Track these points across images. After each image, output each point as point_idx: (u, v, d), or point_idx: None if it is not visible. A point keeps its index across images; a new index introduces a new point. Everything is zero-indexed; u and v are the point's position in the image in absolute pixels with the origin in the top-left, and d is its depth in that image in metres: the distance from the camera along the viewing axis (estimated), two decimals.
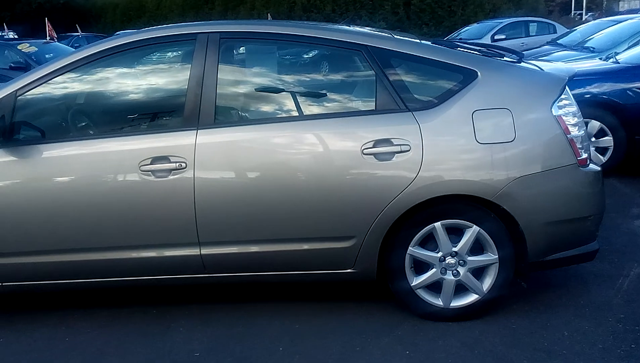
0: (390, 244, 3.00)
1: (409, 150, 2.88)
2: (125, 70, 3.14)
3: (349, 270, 3.02)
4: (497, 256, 2.99)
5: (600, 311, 3.18)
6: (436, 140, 2.90)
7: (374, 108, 2.97)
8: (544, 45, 11.39)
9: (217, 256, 2.98)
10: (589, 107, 5.56)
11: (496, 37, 15.56)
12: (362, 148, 2.87)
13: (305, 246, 2.97)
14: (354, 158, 2.89)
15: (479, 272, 3.04)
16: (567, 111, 3.01)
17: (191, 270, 3.01)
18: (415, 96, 2.97)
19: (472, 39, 16.08)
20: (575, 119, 3.04)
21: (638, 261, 3.76)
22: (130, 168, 2.86)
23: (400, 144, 2.87)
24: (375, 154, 2.88)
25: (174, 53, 3.18)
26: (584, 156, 3.00)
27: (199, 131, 2.89)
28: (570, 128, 2.96)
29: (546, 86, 3.02)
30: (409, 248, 3.00)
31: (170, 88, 3.20)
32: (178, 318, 3.19)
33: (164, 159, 2.86)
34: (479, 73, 2.98)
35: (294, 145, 2.93)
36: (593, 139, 5.67)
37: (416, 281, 3.04)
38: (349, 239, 2.95)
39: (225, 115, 3.01)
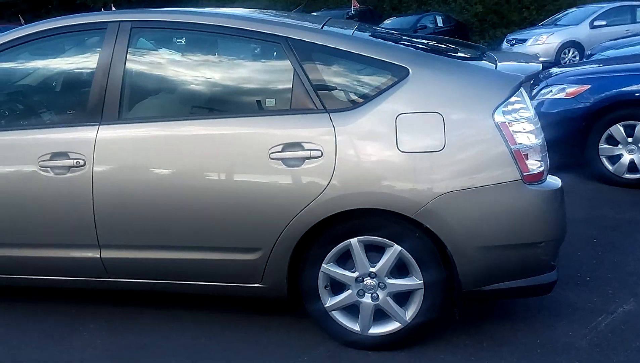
0: (303, 260, 2.77)
1: (320, 156, 2.61)
2: (32, 61, 3.09)
3: (256, 285, 2.81)
4: (422, 281, 2.69)
5: (554, 354, 2.77)
6: (352, 146, 2.61)
7: (288, 107, 2.73)
8: None
9: (117, 260, 2.87)
10: None
11: (595, 23, 14.44)
12: (270, 152, 2.64)
13: (210, 256, 2.79)
14: (260, 162, 2.66)
15: (404, 297, 2.76)
16: (517, 116, 2.61)
17: (93, 273, 2.93)
18: (335, 95, 2.69)
19: (569, 25, 15.08)
20: (530, 126, 2.63)
21: (638, 296, 3.26)
22: (30, 163, 2.81)
23: (311, 149, 2.61)
24: (283, 159, 2.64)
25: (85, 43, 3.10)
26: (535, 170, 2.59)
27: (100, 126, 2.79)
28: (517, 137, 2.56)
29: (491, 88, 2.62)
30: (323, 265, 2.74)
31: (76, 80, 3.10)
32: (88, 322, 3.13)
33: (63, 155, 2.78)
34: (410, 71, 2.64)
35: (198, 146, 2.73)
36: None
37: (331, 302, 2.78)
38: (254, 251, 2.74)
39: (130, 110, 2.86)
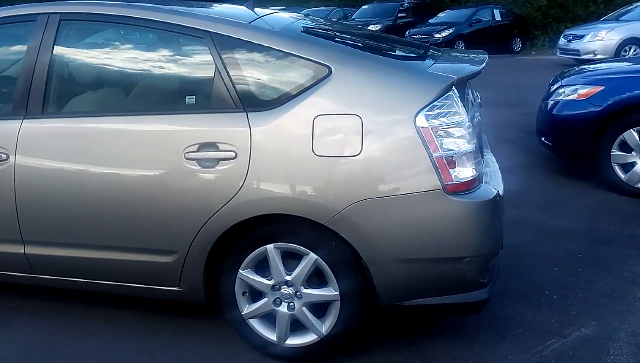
0: (221, 265, 2.70)
1: (234, 158, 2.53)
2: None
3: (175, 288, 2.76)
4: (338, 293, 2.57)
5: None
6: (267, 148, 2.51)
7: (208, 106, 2.65)
8: None
9: (41, 257, 2.88)
10: None
11: None
12: (185, 152, 2.57)
13: (127, 257, 2.75)
14: (175, 162, 2.59)
15: (322, 308, 2.65)
16: (445, 121, 2.44)
17: (18, 268, 2.96)
18: (255, 93, 2.58)
19: (633, 21, 14.27)
20: (460, 131, 2.47)
21: (603, 319, 3.02)
22: None
23: (225, 150, 2.54)
24: (198, 160, 2.57)
25: (15, 35, 3.11)
26: (462, 179, 2.43)
27: (24, 120, 2.80)
28: (442, 143, 2.41)
29: (416, 89, 2.46)
30: (239, 271, 2.66)
31: (4, 74, 3.12)
32: (17, 316, 3.16)
33: None
34: (332, 69, 2.52)
35: (117, 143, 2.70)
36: None
37: (248, 309, 2.71)
38: (170, 254, 2.68)
39: (54, 105, 2.84)
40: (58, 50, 2.84)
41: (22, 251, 2.89)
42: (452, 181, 2.40)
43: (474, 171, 2.47)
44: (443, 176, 2.39)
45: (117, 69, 2.91)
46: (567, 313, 3.07)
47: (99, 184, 2.70)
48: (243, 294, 2.70)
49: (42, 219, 2.81)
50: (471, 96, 2.99)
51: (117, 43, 2.97)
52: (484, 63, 2.80)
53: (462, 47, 17.29)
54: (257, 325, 2.72)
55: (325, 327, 2.62)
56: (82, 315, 3.16)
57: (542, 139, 5.43)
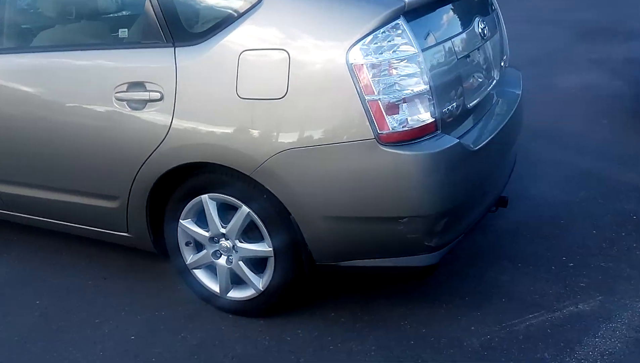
0: (164, 213, 2.60)
1: (159, 99, 2.35)
2: None
3: (125, 234, 2.71)
4: (271, 249, 2.38)
5: (419, 349, 2.34)
6: (192, 88, 2.30)
7: (139, 40, 2.47)
8: None
9: (7, 194, 2.95)
10: None
11: None
12: (115, 91, 2.43)
13: (80, 200, 2.72)
14: (106, 102, 2.46)
15: (263, 264, 2.47)
16: (388, 56, 2.08)
17: None
18: (185, 25, 2.35)
19: None
20: (409, 68, 2.10)
21: (613, 295, 2.59)
22: None
23: (151, 91, 2.36)
24: (127, 101, 2.42)
25: None
26: (400, 128, 2.08)
27: None
28: (380, 84, 2.07)
29: (352, 18, 2.11)
30: (180, 221, 2.55)
31: None
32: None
33: None
34: None
35: (48, 82, 2.61)
36: None
37: (191, 259, 2.61)
38: (114, 199, 2.61)
39: None
40: None
41: None
42: (389, 129, 2.07)
43: (430, 117, 2.13)
44: (377, 123, 2.07)
45: (41, 3, 2.82)
46: (573, 285, 2.67)
47: (38, 126, 2.66)
48: (187, 244, 2.60)
49: None
50: (478, 20, 2.58)
51: None
52: None
53: None
54: (201, 275, 2.63)
55: (262, 282, 2.46)
56: (54, 252, 3.22)
57: None
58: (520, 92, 2.93)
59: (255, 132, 2.20)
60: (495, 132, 2.49)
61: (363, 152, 2.10)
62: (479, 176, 2.37)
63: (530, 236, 3.06)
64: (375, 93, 2.07)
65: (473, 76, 2.53)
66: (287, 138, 2.16)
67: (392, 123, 2.08)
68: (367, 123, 2.07)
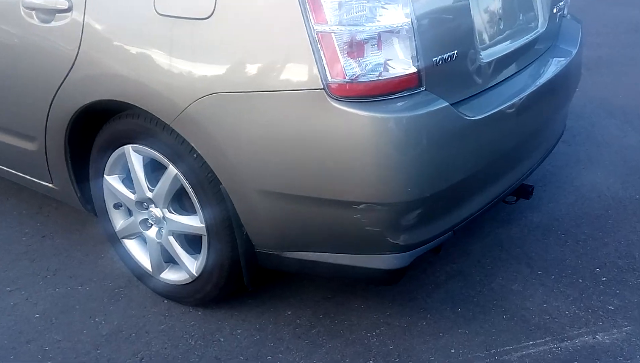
0: (89, 164, 2.15)
1: (67, 9, 1.86)
2: None
3: (50, 185, 2.28)
4: (204, 225, 1.88)
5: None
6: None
7: None
8: None
9: None
10: None
11: None
12: None
13: (2, 137, 2.31)
14: (15, 14, 2.00)
15: (198, 243, 1.97)
16: None
17: None
18: None
19: None
20: None
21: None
22: None
23: None
24: (36, 10, 1.95)
25: None
26: (362, 78, 1.51)
27: None
28: (335, 9, 1.49)
29: None
30: (104, 176, 2.09)
31: None
32: None
33: None
34: None
35: None
36: None
37: (121, 226, 2.15)
38: (32, 140, 2.17)
39: None
40: None
41: None
42: (344, 78, 1.51)
43: (409, 65, 1.56)
44: (329, 67, 1.51)
45: None
46: (599, 307, 2.05)
47: None
48: (116, 207, 2.14)
49: None
50: None
51: None
52: None
53: None
54: (132, 247, 2.16)
55: (196, 266, 1.98)
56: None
57: None
58: (575, 51, 2.28)
59: (175, 64, 1.67)
60: (517, 100, 1.87)
61: (307, 107, 1.54)
62: (479, 155, 1.77)
63: (564, 237, 2.44)
64: (330, 22, 1.50)
65: (496, 19, 1.91)
66: (213, 77, 1.63)
67: (351, 69, 1.51)
68: (315, 66, 1.51)
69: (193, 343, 1.95)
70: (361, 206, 1.59)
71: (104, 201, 2.13)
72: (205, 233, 1.87)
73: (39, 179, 2.31)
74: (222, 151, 1.68)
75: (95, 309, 2.11)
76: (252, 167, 1.66)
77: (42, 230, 2.59)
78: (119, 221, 2.15)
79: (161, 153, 1.86)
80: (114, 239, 2.19)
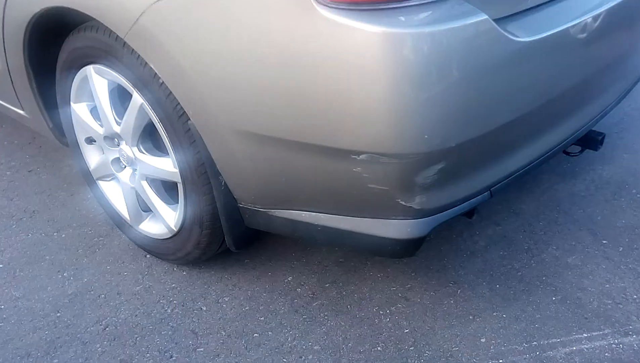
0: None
1: None
2: None
3: (21, 112, 1.96)
4: (177, 170, 1.52)
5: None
6: None
7: None
8: None
9: None
10: None
11: None
12: None
13: None
14: None
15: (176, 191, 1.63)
16: None
17: None
18: None
19: None
20: None
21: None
22: None
23: None
24: None
25: None
26: None
27: None
28: None
29: None
30: (71, 103, 1.75)
31: None
32: None
33: None
34: None
35: None
36: None
37: (95, 165, 1.82)
38: None
39: None
40: None
41: None
42: None
43: None
44: None
45: None
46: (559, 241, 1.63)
47: None
48: (88, 141, 1.81)
49: None
50: None
51: None
52: None
53: None
54: (109, 190, 1.83)
55: (175, 220, 1.64)
56: None
57: None
58: None
59: None
60: (586, 19, 1.39)
61: (288, 16, 1.13)
62: (530, 92, 1.31)
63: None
64: None
65: None
66: None
67: None
68: None
69: (169, 311, 1.63)
70: (362, 156, 1.19)
71: (75, 134, 1.82)
72: (180, 181, 1.54)
73: (11, 105, 2.00)
74: (185, 74, 1.30)
75: (66, 262, 1.82)
76: (223, 99, 1.27)
77: (30, 163, 2.32)
78: (92, 159, 1.82)
79: (124, 77, 1.50)
80: (89, 180, 1.88)
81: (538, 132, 1.44)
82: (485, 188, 1.37)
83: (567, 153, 1.85)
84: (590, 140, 1.77)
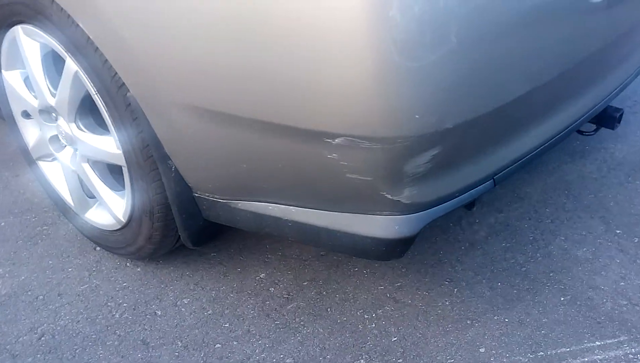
0: None
1: None
2: None
3: None
4: (121, 151, 1.29)
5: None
6: None
7: None
8: None
9: None
10: None
11: None
12: None
13: None
14: None
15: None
16: None
17: None
18: None
19: None
20: None
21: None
22: None
23: None
24: None
25: None
26: None
27: None
28: None
29: None
30: (2, 70, 1.50)
31: None
32: None
33: None
34: None
35: None
36: None
37: (32, 143, 1.59)
38: None
39: None
40: None
41: None
42: None
43: None
44: None
45: None
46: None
47: None
48: (25, 115, 1.57)
49: None
50: None
51: None
52: None
53: None
54: (50, 173, 1.58)
55: (123, 210, 1.41)
56: None
57: None
58: None
59: None
60: None
61: None
62: (540, 62, 1.08)
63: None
64: None
65: None
66: None
67: None
68: None
69: (117, 316, 1.41)
70: (338, 140, 0.96)
71: (10, 106, 1.58)
72: (125, 164, 1.31)
73: None
74: (118, 34, 1.06)
75: (2, 256, 1.58)
76: (164, 65, 1.04)
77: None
78: (30, 135, 1.58)
79: (56, 39, 1.25)
80: (29, 159, 1.63)
81: (551, 109, 1.21)
82: (489, 176, 1.14)
83: (581, 132, 1.63)
84: (608, 117, 1.54)
